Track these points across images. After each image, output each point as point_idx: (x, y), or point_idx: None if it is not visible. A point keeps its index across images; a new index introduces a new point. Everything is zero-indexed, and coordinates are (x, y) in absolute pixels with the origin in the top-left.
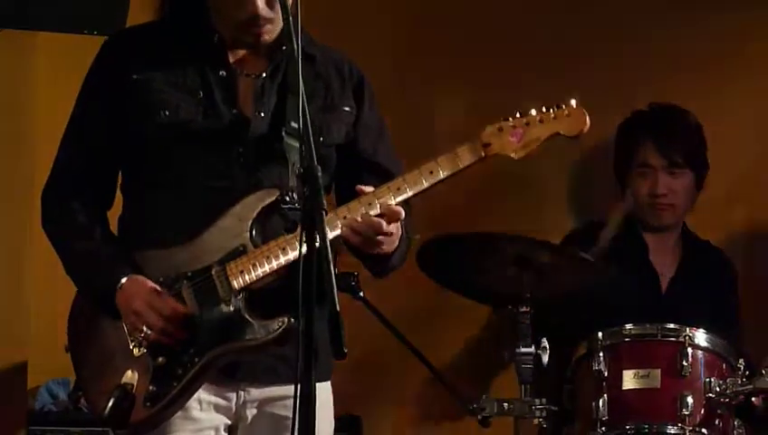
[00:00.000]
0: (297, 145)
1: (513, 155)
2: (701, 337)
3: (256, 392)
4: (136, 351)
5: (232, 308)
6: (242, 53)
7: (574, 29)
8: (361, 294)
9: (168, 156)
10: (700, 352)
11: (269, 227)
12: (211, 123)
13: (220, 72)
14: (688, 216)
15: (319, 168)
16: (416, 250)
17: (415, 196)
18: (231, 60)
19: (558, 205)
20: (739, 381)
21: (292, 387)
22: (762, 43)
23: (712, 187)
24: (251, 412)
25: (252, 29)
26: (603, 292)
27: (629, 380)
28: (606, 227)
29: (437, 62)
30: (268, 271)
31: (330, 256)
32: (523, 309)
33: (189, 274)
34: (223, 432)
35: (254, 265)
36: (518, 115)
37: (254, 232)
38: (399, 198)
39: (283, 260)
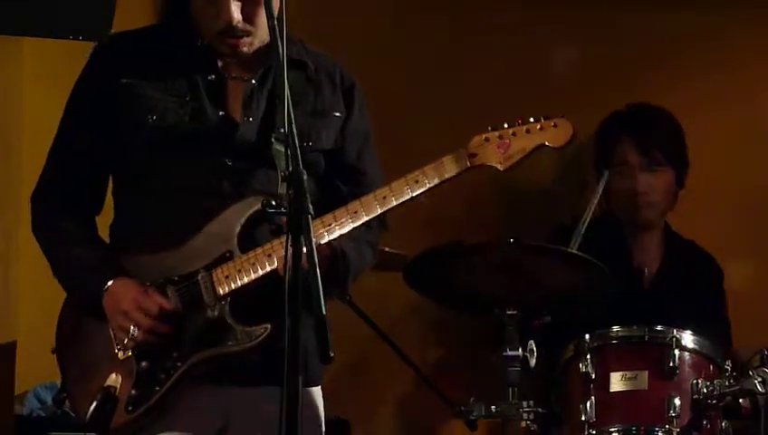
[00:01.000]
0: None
1: (498, 166)
2: (688, 339)
3: (245, 393)
4: (120, 354)
5: (216, 314)
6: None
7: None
8: (348, 298)
9: (156, 160)
10: (687, 353)
11: (257, 233)
12: (198, 126)
13: (209, 76)
14: (672, 217)
15: (304, 172)
16: (403, 268)
17: (400, 205)
18: (220, 64)
19: (540, 209)
20: (726, 383)
21: (279, 388)
22: (740, 40)
23: (694, 185)
24: (241, 414)
25: (228, 40)
26: (589, 289)
27: (617, 382)
28: (587, 210)
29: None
30: (254, 278)
31: (315, 260)
32: (510, 312)
33: (176, 279)
34: None
35: (239, 272)
36: (505, 126)
37: (242, 238)
38: (386, 208)
39: (268, 268)
